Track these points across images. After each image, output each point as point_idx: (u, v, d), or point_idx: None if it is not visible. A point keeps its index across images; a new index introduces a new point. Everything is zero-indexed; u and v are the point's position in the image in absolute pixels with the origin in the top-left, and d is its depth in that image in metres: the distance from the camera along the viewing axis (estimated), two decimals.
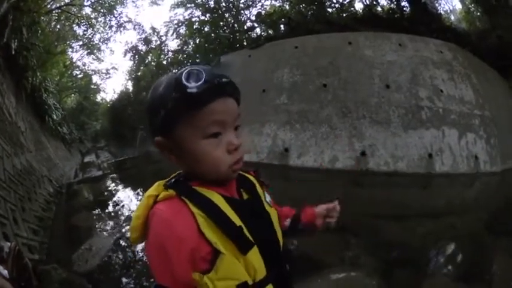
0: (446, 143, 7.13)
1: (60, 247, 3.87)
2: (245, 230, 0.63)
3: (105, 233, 4.47)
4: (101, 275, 3.22)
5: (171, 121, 0.65)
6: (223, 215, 0.63)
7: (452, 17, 15.13)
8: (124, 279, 3.17)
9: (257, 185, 0.81)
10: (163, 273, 0.58)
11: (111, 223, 4.90)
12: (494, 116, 8.13)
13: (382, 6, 13.57)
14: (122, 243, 3.90)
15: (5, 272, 1.87)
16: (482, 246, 3.38)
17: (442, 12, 13.93)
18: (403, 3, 12.30)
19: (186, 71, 0.63)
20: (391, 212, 4.63)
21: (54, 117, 12.07)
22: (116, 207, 5.90)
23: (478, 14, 13.60)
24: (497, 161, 7.60)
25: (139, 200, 0.68)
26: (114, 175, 9.87)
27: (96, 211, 5.61)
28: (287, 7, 16.03)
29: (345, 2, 13.85)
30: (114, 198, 6.62)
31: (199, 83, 0.61)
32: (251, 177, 0.82)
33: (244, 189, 0.77)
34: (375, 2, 13.55)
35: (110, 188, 7.86)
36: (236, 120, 0.70)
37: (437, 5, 13.09)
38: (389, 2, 13.10)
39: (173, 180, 0.70)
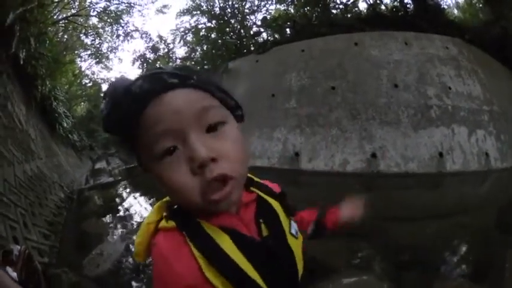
0: (457, 141, 7.03)
1: (71, 252, 3.89)
2: (256, 278, 0.51)
3: (116, 238, 4.48)
4: (112, 280, 3.22)
5: (127, 149, 0.57)
6: (228, 262, 0.50)
7: (455, 11, 15.01)
8: (135, 284, 3.16)
9: (280, 213, 0.64)
10: None
11: (122, 229, 4.90)
12: (503, 111, 8.04)
13: (385, 5, 13.52)
14: (133, 248, 3.90)
15: (14, 274, 1.88)
16: (493, 244, 3.31)
17: (445, 7, 13.83)
18: (406, 0, 12.24)
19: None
20: (402, 213, 4.56)
21: (65, 124, 12.24)
22: (127, 213, 5.91)
23: (480, 5, 13.40)
24: (508, 156, 7.49)
25: (149, 211, 0.66)
26: (125, 182, 9.92)
27: (107, 217, 5.63)
28: (292, 10, 16.09)
29: (349, 3, 13.84)
30: (125, 205, 6.64)
31: (108, 103, 0.51)
32: (273, 202, 0.64)
33: (264, 219, 0.60)
34: (378, 1, 13.49)
35: (120, 195, 7.89)
36: (203, 116, 0.51)
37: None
38: (392, 0, 13.07)
39: (176, 206, 0.58)
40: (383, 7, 13.47)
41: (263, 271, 0.52)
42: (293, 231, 0.63)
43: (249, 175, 0.63)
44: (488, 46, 9.33)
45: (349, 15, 13.06)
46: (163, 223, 0.55)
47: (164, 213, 0.57)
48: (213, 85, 0.55)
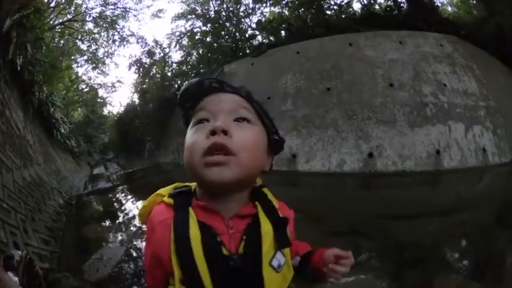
0: (453, 137, 7.06)
1: (71, 257, 3.89)
2: (206, 283, 0.55)
3: (115, 243, 4.48)
4: (112, 284, 3.22)
5: (186, 124, 0.72)
6: (189, 260, 0.56)
7: (449, 8, 15.10)
8: None
9: (266, 239, 0.62)
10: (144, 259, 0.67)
11: (121, 233, 4.90)
12: (499, 106, 8.06)
13: (379, 4, 13.61)
14: (133, 253, 3.90)
15: (16, 279, 1.90)
16: (493, 241, 3.30)
17: (439, 4, 13.93)
18: (400, 0, 12.31)
19: None
20: (401, 212, 4.56)
21: (62, 130, 12.26)
22: (126, 218, 5.91)
23: (474, 2, 13.50)
24: (506, 151, 7.52)
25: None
26: (123, 187, 9.92)
27: (106, 222, 5.63)
28: (286, 13, 16.12)
29: (343, 4, 13.90)
30: (124, 209, 6.64)
31: (187, 85, 0.70)
32: (267, 226, 0.63)
33: (248, 237, 0.61)
34: (372, 1, 13.58)
35: (119, 199, 7.88)
36: (234, 110, 0.66)
37: None
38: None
39: (183, 189, 0.70)
40: (377, 7, 13.57)
41: (216, 281, 0.56)
42: (274, 263, 0.61)
43: (264, 189, 0.73)
44: (483, 42, 9.37)
45: (343, 16, 13.11)
46: (166, 198, 0.67)
47: (171, 191, 0.69)
48: (255, 101, 0.71)
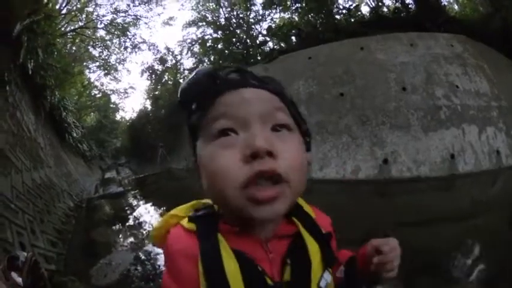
0: (467, 141, 6.89)
1: (79, 260, 3.87)
2: None
3: (124, 248, 4.44)
4: None
5: (190, 132, 0.57)
6: None
7: (456, 7, 14.91)
8: None
9: (315, 260, 0.54)
10: None
11: (131, 239, 4.87)
12: (511, 105, 7.87)
13: (387, 7, 13.52)
14: (142, 259, 3.85)
15: (19, 280, 1.86)
16: (507, 246, 3.20)
17: (446, 4, 13.77)
18: (407, 1, 12.22)
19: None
20: (415, 218, 4.45)
21: (74, 134, 12.41)
22: (136, 223, 5.88)
23: None
24: None
25: (162, 216, 0.64)
26: (135, 191, 9.96)
27: (116, 226, 5.62)
28: (296, 18, 16.13)
29: (352, 8, 13.83)
30: (135, 215, 6.62)
31: (192, 77, 0.55)
32: (313, 244, 0.55)
33: (292, 261, 0.52)
34: (380, 4, 13.49)
35: (130, 204, 7.89)
36: (268, 114, 0.50)
37: None
38: (394, 1, 13.05)
39: (204, 211, 0.57)
40: (385, 9, 13.50)
41: None
42: (322, 285, 0.53)
43: (298, 200, 0.59)
44: (490, 39, 9.17)
45: (352, 20, 13.04)
46: (184, 221, 0.55)
47: (190, 214, 0.57)
48: (288, 97, 0.58)
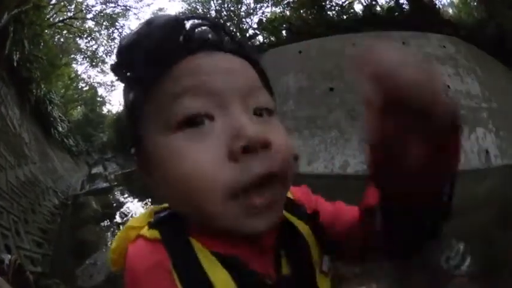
0: None
1: (65, 260, 3.79)
2: None
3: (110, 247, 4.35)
4: None
5: (129, 112, 0.40)
6: None
7: (450, 10, 15.14)
8: None
9: (312, 244, 0.44)
10: None
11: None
12: (502, 108, 8.04)
13: (381, 6, 13.57)
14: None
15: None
16: (496, 242, 3.33)
17: (440, 6, 13.96)
18: (401, 1, 12.32)
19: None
20: None
21: (60, 129, 12.14)
22: (123, 220, 5.79)
23: (475, 3, 13.50)
24: (508, 153, 7.48)
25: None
26: (121, 187, 9.82)
27: (103, 224, 5.52)
28: (288, 13, 16.07)
29: (345, 4, 13.84)
30: (121, 211, 6.52)
31: (141, 28, 0.36)
32: (303, 227, 0.44)
33: (287, 251, 0.41)
34: (374, 2, 13.53)
35: (117, 200, 7.78)
36: (249, 91, 0.37)
37: None
38: (388, 0, 13.16)
39: (166, 212, 0.41)
40: (378, 8, 13.54)
41: None
42: (325, 268, 0.43)
43: None
44: (484, 44, 9.35)
45: (345, 17, 13.06)
46: (144, 230, 0.38)
47: (149, 219, 0.41)
48: (265, 69, 0.43)
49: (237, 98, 0.35)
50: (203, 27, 0.38)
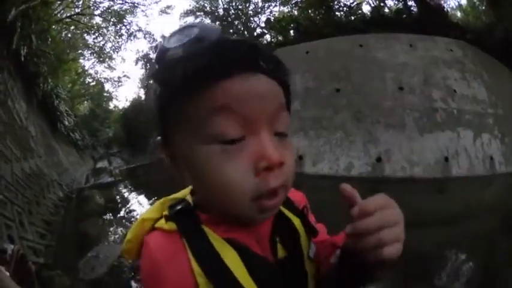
0: (462, 145, 6.95)
1: (67, 252, 3.82)
2: None
3: (113, 240, 4.39)
4: (107, 285, 3.12)
5: (161, 112, 0.46)
6: (232, 283, 0.41)
7: (458, 13, 15.01)
8: None
9: (302, 232, 0.53)
10: None
11: (120, 230, 4.81)
12: (508, 114, 7.96)
13: (389, 7, 13.51)
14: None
15: (7, 274, 1.82)
16: (498, 251, 3.29)
17: (449, 9, 13.83)
18: (410, 3, 12.29)
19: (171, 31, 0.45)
20: (408, 219, 4.40)
21: (66, 123, 12.26)
22: (126, 215, 5.83)
23: (483, 8, 13.36)
24: None
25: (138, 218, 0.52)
26: (126, 182, 9.87)
27: (106, 217, 5.56)
28: (296, 12, 16.05)
29: (353, 5, 13.79)
30: (125, 205, 6.57)
31: (185, 40, 0.42)
32: (294, 218, 0.54)
33: (281, 238, 0.50)
34: (382, 4, 13.47)
35: (120, 195, 7.83)
36: (277, 116, 0.43)
37: (443, 2, 12.95)
38: (396, 2, 13.09)
39: (180, 206, 0.47)
40: (386, 10, 13.48)
41: None
42: (311, 255, 0.52)
43: None
44: (491, 48, 9.27)
45: (353, 18, 13.00)
46: (161, 222, 0.46)
47: (165, 212, 0.47)
48: (288, 82, 0.48)
49: (264, 123, 0.42)
50: (242, 45, 0.42)
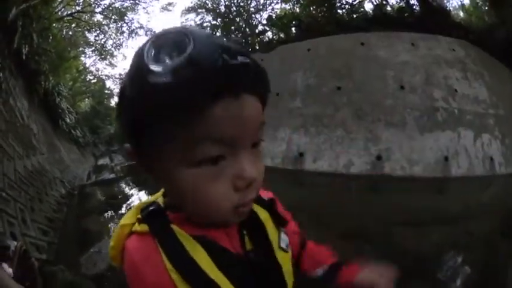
0: (462, 145, 6.95)
1: (70, 249, 3.84)
2: None
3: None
4: (109, 280, 3.16)
5: (136, 124, 0.42)
6: (203, 278, 0.44)
7: (461, 13, 14.94)
8: None
9: (268, 224, 0.56)
10: None
11: None
12: (509, 115, 7.94)
13: (391, 6, 13.47)
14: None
15: (10, 271, 1.84)
16: (497, 252, 3.28)
17: (451, 9, 13.78)
18: (412, 1, 12.23)
19: (155, 38, 0.41)
20: (407, 218, 4.47)
21: (68, 120, 12.27)
22: (128, 211, 5.83)
23: (486, 8, 13.32)
24: None
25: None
26: (127, 178, 9.89)
27: (108, 214, 5.58)
28: (298, 10, 16.02)
29: (355, 3, 13.74)
30: (127, 202, 6.59)
31: (176, 62, 0.36)
32: (261, 211, 0.56)
33: (248, 230, 0.53)
34: (384, 2, 13.43)
35: (122, 191, 7.85)
36: (257, 132, 0.45)
37: (445, 1, 12.92)
38: (398, 0, 13.09)
39: (152, 208, 0.50)
40: (389, 8, 13.42)
41: None
42: (283, 245, 0.56)
43: None
44: (493, 49, 9.25)
45: (354, 16, 12.97)
46: (136, 226, 0.48)
47: (138, 215, 0.50)
48: (267, 94, 0.47)
49: (246, 144, 0.44)
50: (238, 56, 0.38)
